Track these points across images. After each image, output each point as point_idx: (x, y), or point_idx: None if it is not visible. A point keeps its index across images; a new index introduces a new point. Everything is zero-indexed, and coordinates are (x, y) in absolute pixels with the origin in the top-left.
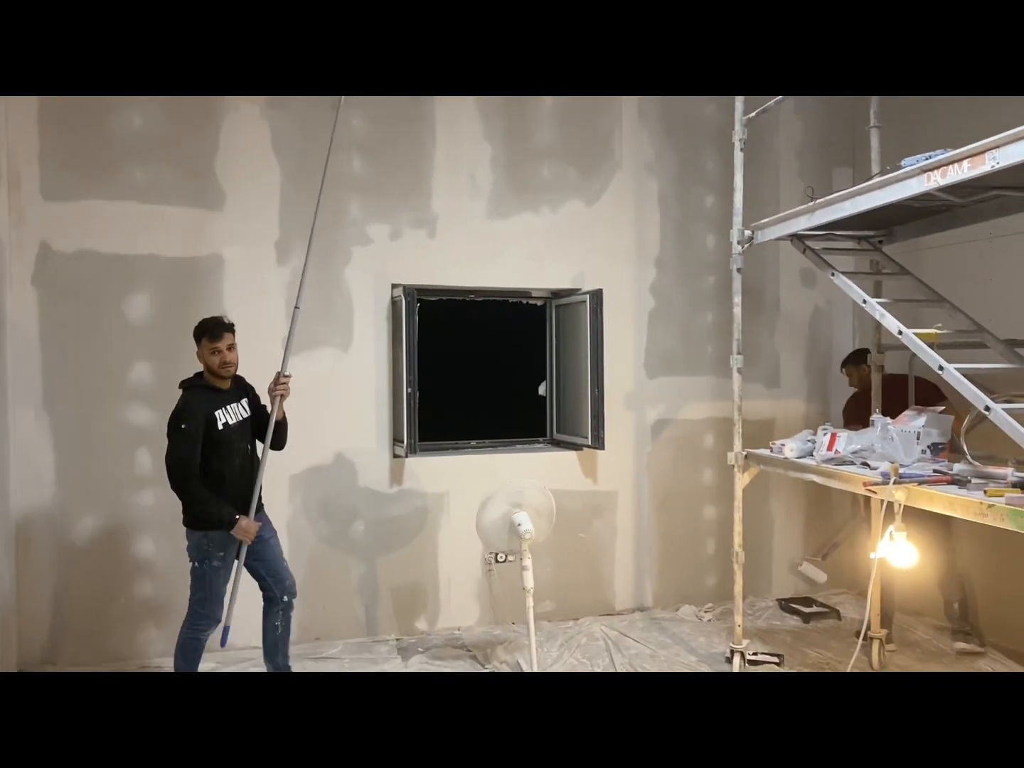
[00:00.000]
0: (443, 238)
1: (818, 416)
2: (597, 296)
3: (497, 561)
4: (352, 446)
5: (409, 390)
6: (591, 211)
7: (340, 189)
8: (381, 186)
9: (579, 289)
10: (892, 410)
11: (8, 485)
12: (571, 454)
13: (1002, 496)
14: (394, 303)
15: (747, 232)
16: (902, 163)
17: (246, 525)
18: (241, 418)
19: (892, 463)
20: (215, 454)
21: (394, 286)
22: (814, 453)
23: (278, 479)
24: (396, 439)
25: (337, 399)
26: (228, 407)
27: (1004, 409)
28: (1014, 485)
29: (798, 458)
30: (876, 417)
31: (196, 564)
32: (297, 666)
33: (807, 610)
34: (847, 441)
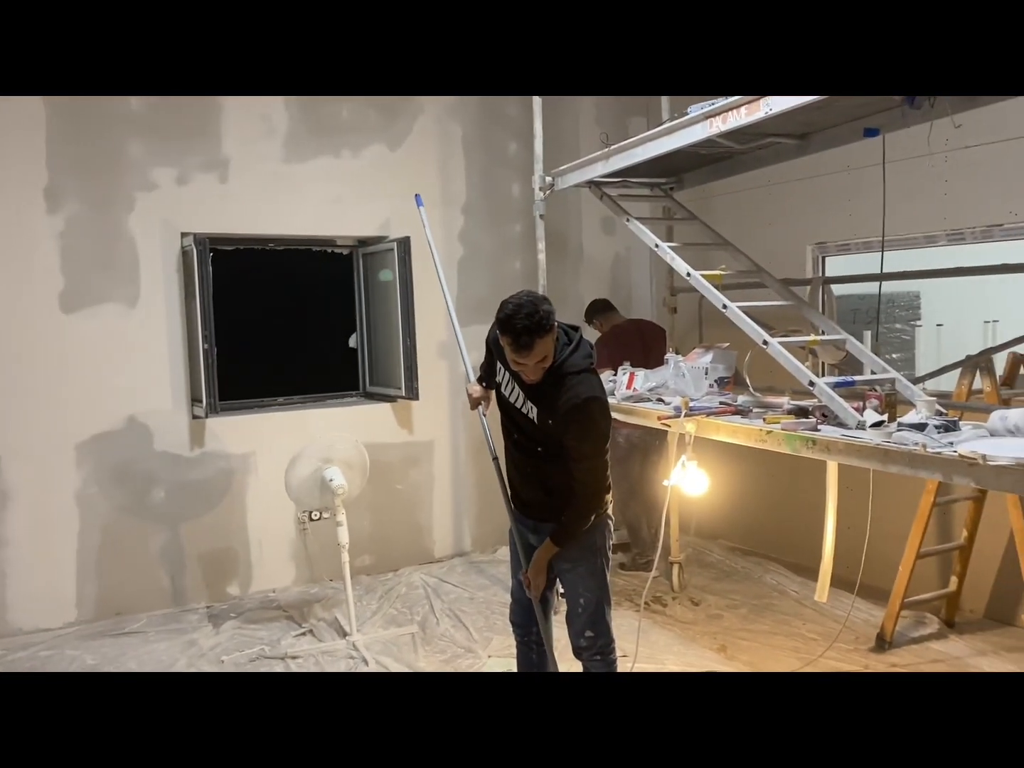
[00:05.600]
0: (237, 183)
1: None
2: (405, 244)
3: (311, 519)
4: (146, 408)
5: (206, 346)
6: (395, 156)
7: (115, 128)
8: (164, 126)
9: (386, 237)
10: (632, 352)
11: None
12: (385, 406)
13: (779, 423)
14: (185, 253)
15: (548, 178)
16: (688, 110)
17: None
18: (518, 403)
19: (684, 397)
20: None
21: (184, 235)
22: (615, 392)
23: (62, 447)
24: (195, 399)
25: (125, 359)
26: (517, 386)
27: (780, 343)
28: (789, 412)
29: None
30: (670, 356)
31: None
32: (95, 643)
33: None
34: (644, 379)
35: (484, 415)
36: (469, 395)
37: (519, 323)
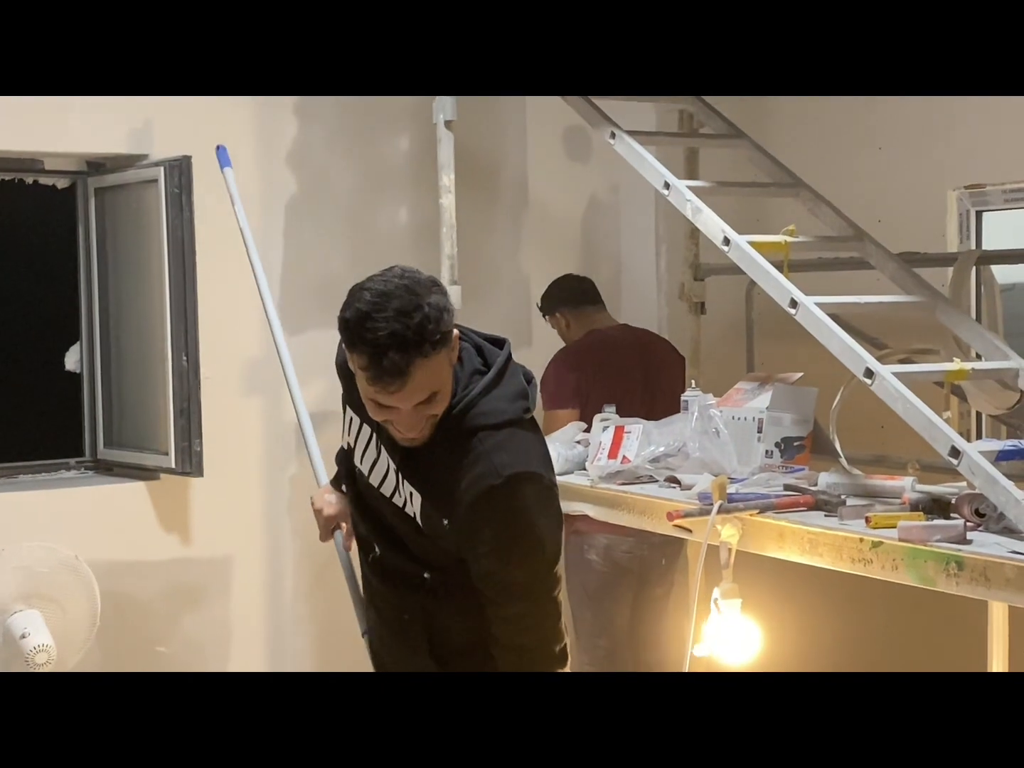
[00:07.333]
0: None
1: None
2: (181, 170)
3: None
4: None
5: None
6: None
7: None
8: None
9: (145, 157)
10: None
11: None
12: (135, 488)
13: (894, 527)
14: None
15: None
16: None
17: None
18: (385, 487)
19: (717, 476)
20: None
21: None
22: (587, 464)
23: None
24: None
25: None
26: (384, 451)
27: (897, 374)
28: (914, 507)
29: (561, 475)
30: (691, 395)
31: None
32: None
33: None
34: (643, 439)
35: (346, 549)
36: (316, 512)
37: (382, 328)
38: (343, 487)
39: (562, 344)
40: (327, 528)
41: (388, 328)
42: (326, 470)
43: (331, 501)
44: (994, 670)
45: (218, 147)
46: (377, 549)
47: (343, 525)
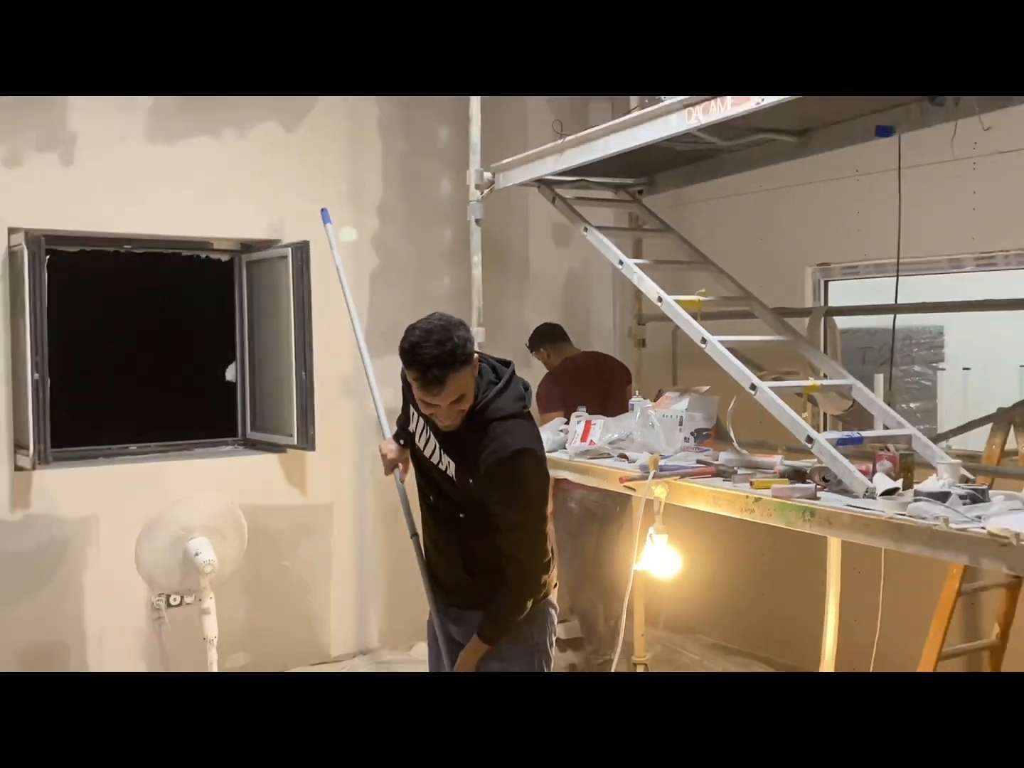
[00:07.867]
0: (84, 167)
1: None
2: (302, 250)
3: (169, 605)
4: None
5: (36, 376)
6: (292, 138)
7: None
8: None
9: (279, 240)
10: (590, 393)
11: None
12: (271, 458)
13: (769, 488)
14: (12, 255)
15: (487, 174)
16: (663, 97)
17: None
18: (433, 458)
19: (652, 454)
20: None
21: (12, 231)
22: (567, 445)
23: None
24: (18, 445)
25: None
26: (431, 435)
27: (771, 388)
28: (782, 475)
29: (550, 452)
30: (636, 401)
31: None
32: None
33: None
34: (604, 430)
35: (402, 481)
36: (382, 456)
37: (427, 353)
38: (400, 441)
39: (545, 370)
40: (390, 466)
41: (431, 353)
42: (390, 428)
43: (392, 448)
44: (830, 580)
45: (322, 209)
46: (431, 498)
47: (400, 465)
